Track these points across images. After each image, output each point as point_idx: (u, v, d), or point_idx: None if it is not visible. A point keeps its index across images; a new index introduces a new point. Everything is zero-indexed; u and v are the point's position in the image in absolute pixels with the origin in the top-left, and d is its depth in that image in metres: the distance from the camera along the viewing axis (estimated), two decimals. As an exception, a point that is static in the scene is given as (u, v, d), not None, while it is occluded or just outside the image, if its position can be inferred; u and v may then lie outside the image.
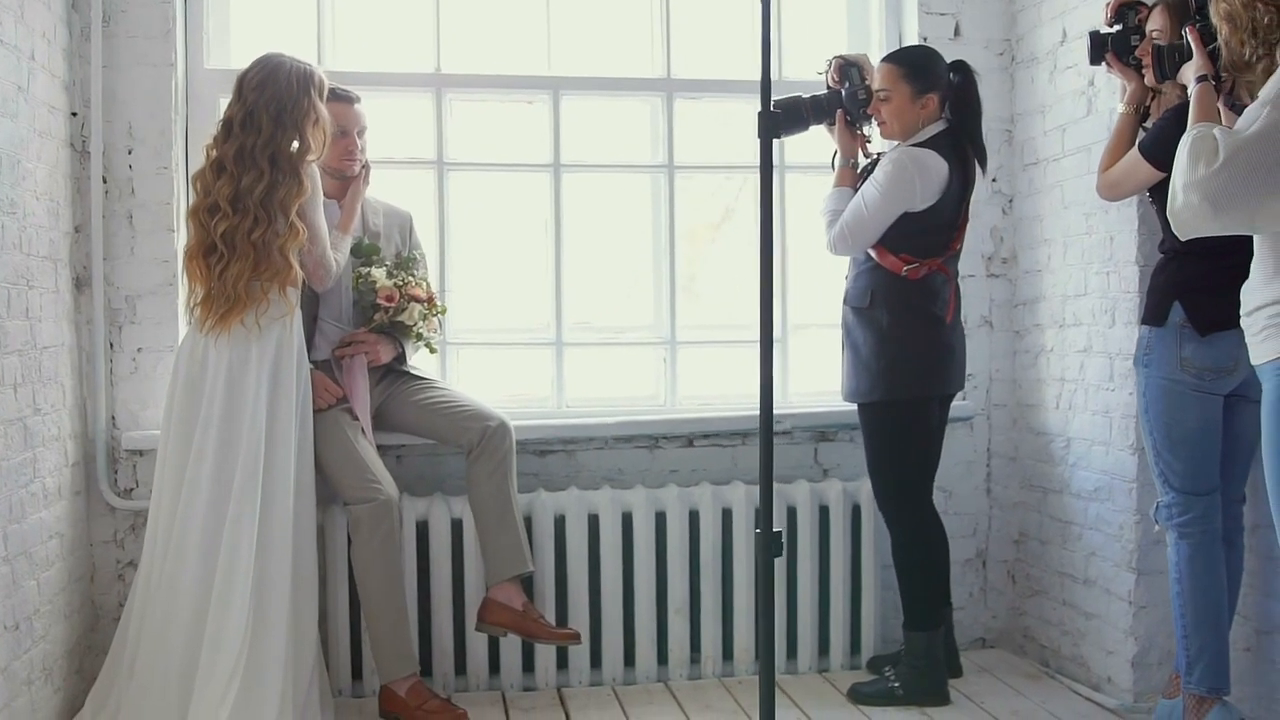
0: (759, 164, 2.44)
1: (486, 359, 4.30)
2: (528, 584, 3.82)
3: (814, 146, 4.03)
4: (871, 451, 3.77)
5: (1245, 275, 3.16)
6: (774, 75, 4.22)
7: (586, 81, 4.27)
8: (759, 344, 2.44)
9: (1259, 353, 2.70)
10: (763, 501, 2.37)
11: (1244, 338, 3.19)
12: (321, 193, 3.65)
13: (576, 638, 3.77)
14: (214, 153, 3.55)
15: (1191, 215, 2.61)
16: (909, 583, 3.77)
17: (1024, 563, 4.29)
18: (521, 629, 3.70)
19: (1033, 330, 4.22)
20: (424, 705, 3.61)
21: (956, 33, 4.28)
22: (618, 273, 4.44)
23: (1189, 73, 2.94)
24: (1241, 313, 2.76)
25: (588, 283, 4.34)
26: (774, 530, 2.36)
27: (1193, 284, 3.18)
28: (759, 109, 2.52)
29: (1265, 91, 2.60)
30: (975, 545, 4.37)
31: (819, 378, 4.30)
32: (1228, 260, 2.95)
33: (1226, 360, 3.15)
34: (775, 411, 4.12)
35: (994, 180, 4.29)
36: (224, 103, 3.65)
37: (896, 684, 3.75)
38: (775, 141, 4.12)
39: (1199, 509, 3.21)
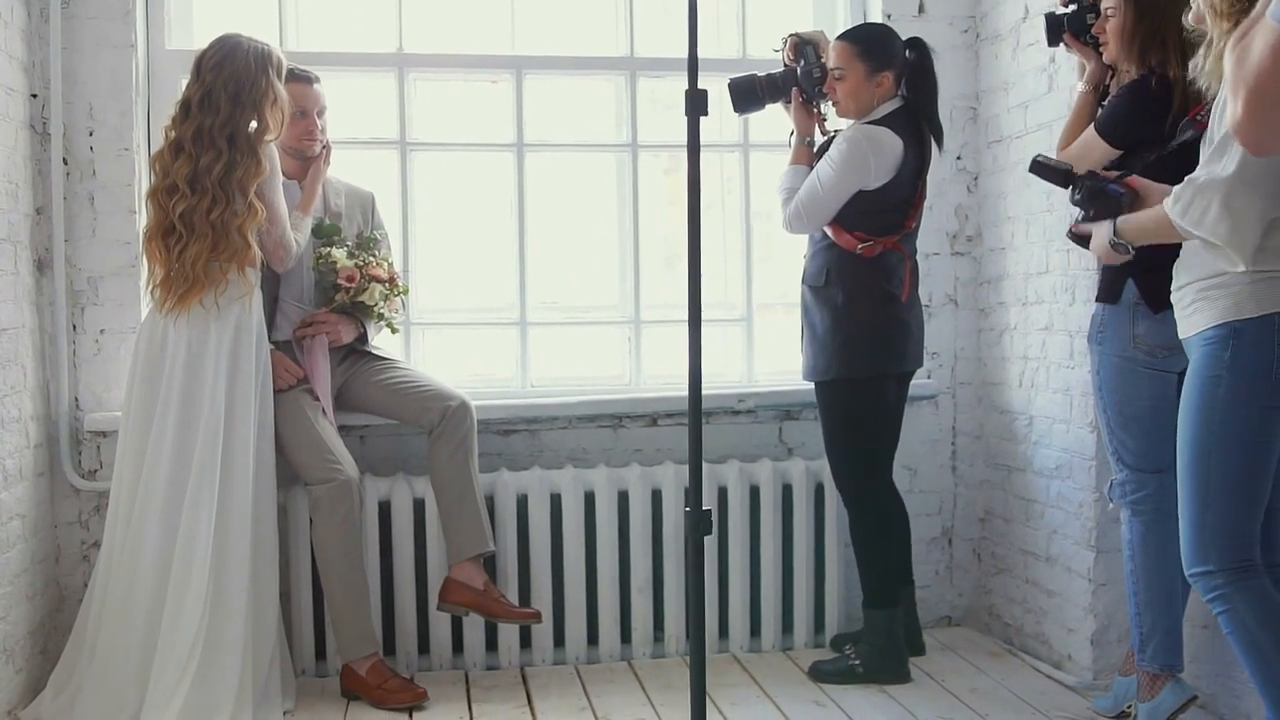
0: (686, 143, 2.40)
1: (451, 339, 4.31)
2: (490, 564, 3.83)
3: (782, 125, 4.02)
4: (828, 430, 3.77)
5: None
6: (739, 53, 4.31)
7: (550, 60, 4.26)
8: (687, 326, 2.43)
9: (1187, 326, 2.72)
10: (691, 481, 2.37)
11: None
12: (280, 173, 3.65)
13: (538, 617, 3.78)
14: (172, 134, 3.55)
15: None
16: (868, 561, 3.78)
17: (989, 541, 4.30)
18: (483, 608, 3.72)
19: (996, 308, 4.22)
20: (384, 684, 3.62)
21: (920, 10, 4.26)
22: (584, 252, 4.43)
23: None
24: (1172, 287, 2.77)
25: (554, 263, 4.33)
26: (704, 509, 2.36)
27: (1145, 261, 3.16)
28: (686, 87, 2.46)
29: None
30: (941, 523, 4.38)
31: (784, 357, 4.29)
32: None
33: (1179, 337, 3.15)
34: (740, 390, 4.22)
35: (958, 158, 4.28)
36: (185, 84, 3.64)
37: (857, 662, 3.76)
38: (741, 119, 4.20)
39: (1152, 486, 3.21)
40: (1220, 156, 2.54)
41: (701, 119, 4.17)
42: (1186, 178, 2.63)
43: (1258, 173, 2.51)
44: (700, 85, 4.24)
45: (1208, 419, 2.65)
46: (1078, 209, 2.98)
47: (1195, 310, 2.68)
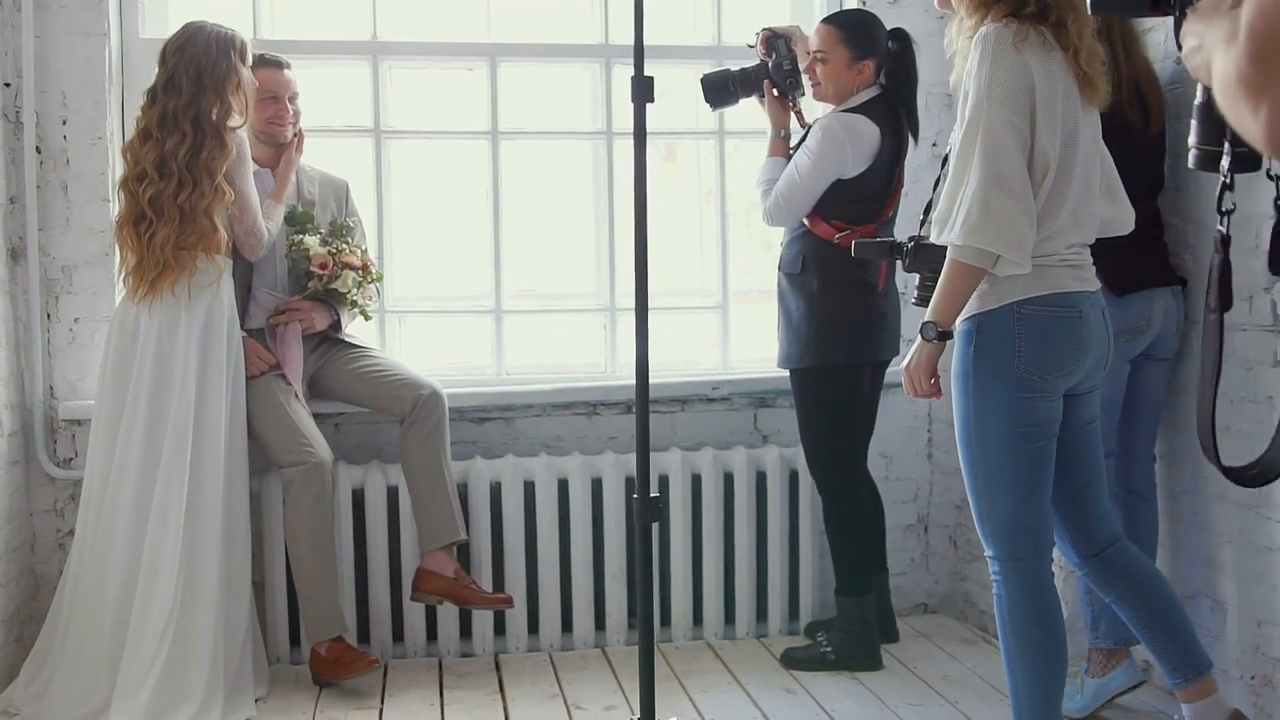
0: (633, 130, 2.39)
1: (426, 327, 4.32)
2: (464, 551, 3.84)
3: (760, 112, 4.02)
4: (803, 417, 3.78)
5: (1154, 234, 3.17)
6: (715, 41, 4.30)
7: (525, 48, 4.25)
8: (635, 315, 2.44)
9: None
10: (639, 469, 2.38)
11: (1156, 297, 3.21)
12: (250, 159, 3.66)
13: (510, 602, 3.79)
14: (141, 122, 3.56)
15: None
16: (840, 548, 3.78)
17: (965, 528, 4.30)
18: (455, 596, 3.72)
19: (972, 295, 4.21)
20: (340, 658, 3.62)
21: (896, -4, 4.26)
22: (560, 240, 4.43)
23: None
24: None
25: (529, 250, 4.34)
26: (652, 496, 2.37)
27: (1104, 245, 3.16)
28: (633, 74, 2.45)
29: (969, 76, 2.61)
30: (917, 511, 4.38)
31: (761, 344, 4.29)
32: (1137, 223, 2.95)
33: (1140, 319, 3.17)
34: (715, 378, 4.22)
35: (934, 145, 4.27)
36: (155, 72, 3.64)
37: (828, 649, 3.77)
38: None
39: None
40: (963, 172, 2.56)
41: (696, 108, 4.23)
42: (936, 212, 2.67)
43: (1003, 174, 2.52)
44: (674, 73, 4.30)
45: (965, 413, 2.68)
46: (914, 273, 2.93)
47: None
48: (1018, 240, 2.53)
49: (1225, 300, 2.25)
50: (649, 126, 4.28)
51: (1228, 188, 2.16)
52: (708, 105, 3.80)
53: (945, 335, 2.66)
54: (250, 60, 3.62)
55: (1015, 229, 2.53)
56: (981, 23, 2.62)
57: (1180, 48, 1.38)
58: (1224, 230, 2.25)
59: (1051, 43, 2.61)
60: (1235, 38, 1.04)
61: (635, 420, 2.34)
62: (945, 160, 2.77)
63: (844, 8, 4.23)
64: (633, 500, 3.87)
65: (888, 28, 3.72)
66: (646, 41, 4.23)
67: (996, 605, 2.75)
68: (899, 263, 2.98)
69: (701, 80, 3.74)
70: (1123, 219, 2.84)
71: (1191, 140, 1.92)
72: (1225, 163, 1.99)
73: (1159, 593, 2.85)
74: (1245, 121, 1.05)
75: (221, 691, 3.40)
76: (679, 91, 4.32)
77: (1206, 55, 1.17)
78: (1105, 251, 3.09)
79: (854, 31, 3.68)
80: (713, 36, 4.32)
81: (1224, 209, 2.19)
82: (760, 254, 4.45)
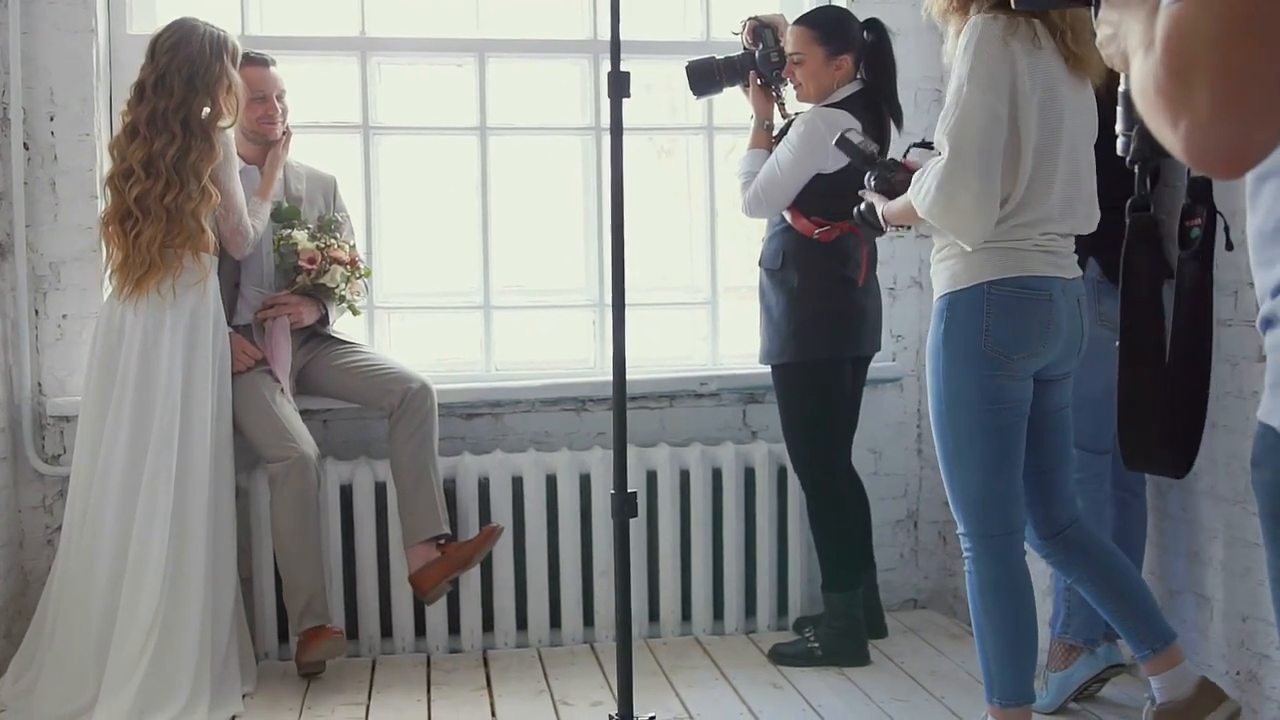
0: (610, 126, 2.39)
1: (415, 323, 4.32)
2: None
3: (746, 107, 4.01)
4: (785, 414, 3.78)
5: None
6: (703, 36, 4.29)
7: (514, 44, 4.25)
8: (612, 312, 2.43)
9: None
10: (616, 464, 2.38)
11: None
12: (236, 160, 3.67)
13: (499, 529, 3.80)
14: (127, 118, 3.56)
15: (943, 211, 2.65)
16: (826, 544, 3.78)
17: (954, 524, 4.26)
18: (455, 566, 3.70)
19: (961, 291, 4.20)
20: (312, 641, 3.64)
21: (885, -10, 4.25)
22: (549, 236, 4.43)
23: None
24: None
25: (518, 246, 4.33)
26: (629, 492, 2.37)
27: (1106, 238, 3.15)
28: (610, 70, 2.46)
29: (955, 64, 2.67)
30: (906, 506, 4.38)
31: (750, 340, 4.28)
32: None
33: None
34: (704, 374, 4.22)
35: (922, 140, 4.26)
36: (140, 66, 3.62)
37: (816, 645, 3.77)
38: (703, 101, 4.18)
39: (1094, 468, 3.22)
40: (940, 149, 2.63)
41: (687, 104, 4.23)
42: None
43: (967, 157, 2.57)
44: (668, 69, 4.29)
45: (937, 390, 2.76)
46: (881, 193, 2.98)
47: (933, 283, 2.81)
48: (965, 220, 2.60)
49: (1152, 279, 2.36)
50: (638, 121, 4.33)
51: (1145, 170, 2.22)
52: (692, 92, 3.80)
53: (871, 217, 2.93)
54: (239, 62, 3.61)
55: (970, 211, 2.59)
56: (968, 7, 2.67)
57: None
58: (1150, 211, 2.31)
59: (1040, 36, 2.65)
60: (1151, 45, 1.04)
61: (613, 413, 2.34)
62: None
63: (826, 4, 4.21)
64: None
65: (880, 23, 3.71)
66: (635, 37, 4.27)
67: (968, 581, 2.80)
68: (866, 176, 3.03)
69: (687, 67, 3.74)
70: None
71: (1119, 127, 1.93)
72: (1133, 145, 2.01)
73: (1118, 568, 2.92)
74: (1164, 134, 1.05)
75: (208, 687, 3.40)
76: (671, 87, 4.32)
77: (1121, 44, 1.17)
78: (1109, 242, 3.09)
79: (826, 29, 3.67)
80: (701, 32, 4.31)
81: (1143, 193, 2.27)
82: (756, 249, 4.44)
